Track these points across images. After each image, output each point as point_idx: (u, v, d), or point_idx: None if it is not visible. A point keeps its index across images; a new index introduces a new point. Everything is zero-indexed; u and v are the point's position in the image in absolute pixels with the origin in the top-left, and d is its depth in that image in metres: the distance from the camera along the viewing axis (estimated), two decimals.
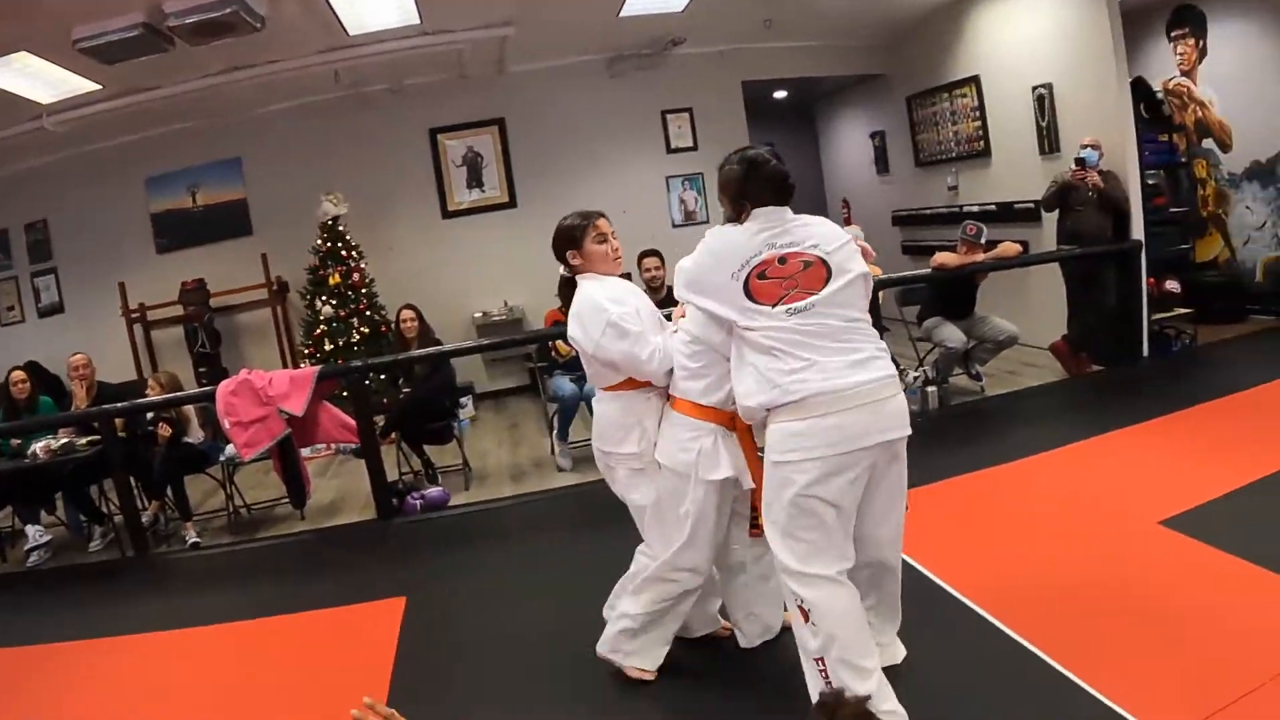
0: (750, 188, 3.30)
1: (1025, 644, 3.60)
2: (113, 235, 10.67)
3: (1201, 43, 10.47)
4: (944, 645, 3.71)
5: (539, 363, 8.59)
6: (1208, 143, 10.62)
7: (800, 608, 3.01)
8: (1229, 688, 3.15)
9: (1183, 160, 10.61)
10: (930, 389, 7.81)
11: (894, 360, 8.10)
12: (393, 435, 7.49)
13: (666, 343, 3.45)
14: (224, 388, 6.47)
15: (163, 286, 10.29)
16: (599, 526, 5.23)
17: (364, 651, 4.44)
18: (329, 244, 9.95)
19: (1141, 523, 4.66)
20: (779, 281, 3.08)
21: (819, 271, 3.10)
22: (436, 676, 4.07)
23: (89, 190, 10.56)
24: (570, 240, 3.65)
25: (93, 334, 10.02)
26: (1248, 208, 10.33)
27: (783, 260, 3.11)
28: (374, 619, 4.86)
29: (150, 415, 7.16)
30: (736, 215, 3.32)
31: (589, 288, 3.55)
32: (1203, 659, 3.31)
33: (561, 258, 3.71)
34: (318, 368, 6.86)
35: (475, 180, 11.20)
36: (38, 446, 6.74)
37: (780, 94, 14.69)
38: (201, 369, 10.01)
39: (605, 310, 3.40)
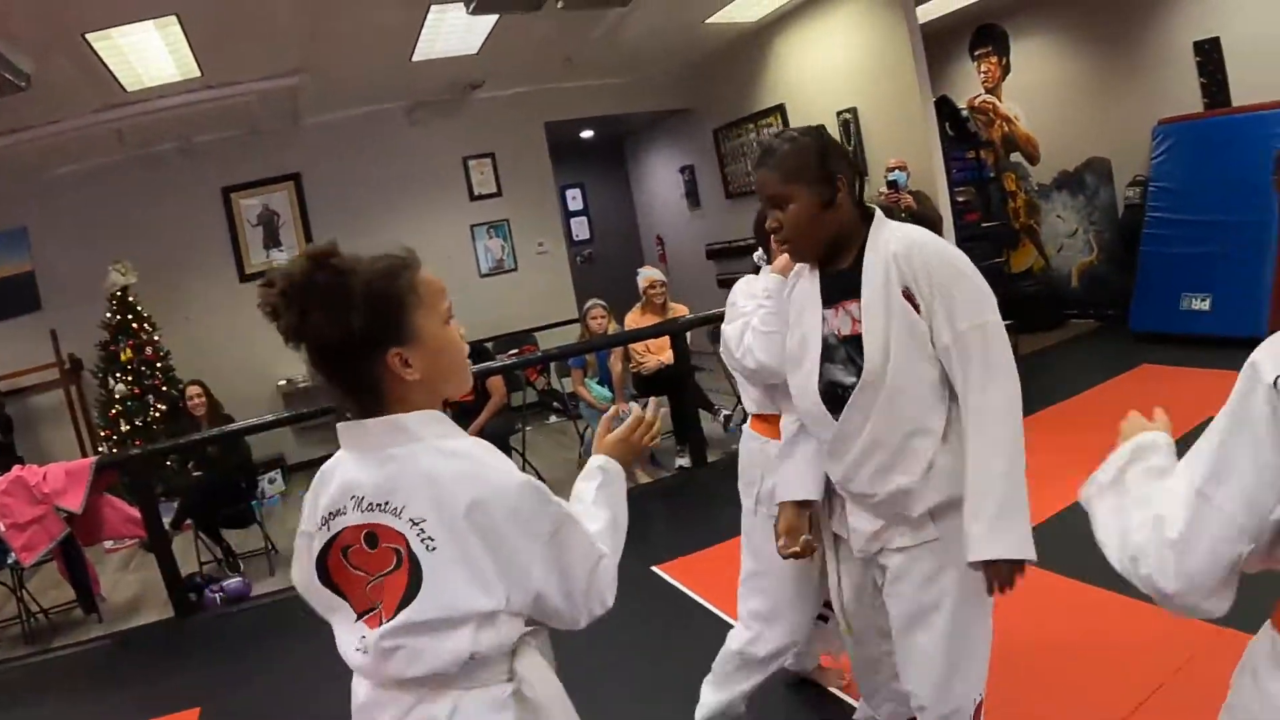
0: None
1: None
2: None
3: (1005, 60, 10.88)
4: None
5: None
6: (1016, 156, 11.03)
7: None
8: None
9: (991, 175, 10.95)
10: None
11: (709, 399, 7.86)
12: (187, 523, 6.99)
13: None
14: None
15: None
16: None
17: None
18: (119, 317, 9.34)
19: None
20: None
21: None
22: None
23: None
24: None
25: None
26: (1059, 217, 10.76)
27: None
28: None
29: None
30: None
31: None
32: (1065, 687, 3.33)
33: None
34: (94, 459, 6.38)
35: (273, 240, 10.72)
36: None
37: (587, 133, 14.62)
38: None
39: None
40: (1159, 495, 1.51)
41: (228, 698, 4.82)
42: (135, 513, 6.39)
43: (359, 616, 1.71)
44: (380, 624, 1.65)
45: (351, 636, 1.71)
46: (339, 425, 1.78)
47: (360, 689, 1.76)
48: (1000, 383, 2.38)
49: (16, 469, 6.13)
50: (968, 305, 2.39)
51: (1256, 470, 1.35)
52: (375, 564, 1.67)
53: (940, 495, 2.44)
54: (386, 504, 1.65)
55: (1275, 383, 1.32)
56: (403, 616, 1.62)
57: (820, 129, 2.59)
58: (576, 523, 1.78)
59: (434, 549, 1.61)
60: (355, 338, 1.65)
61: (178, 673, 5.42)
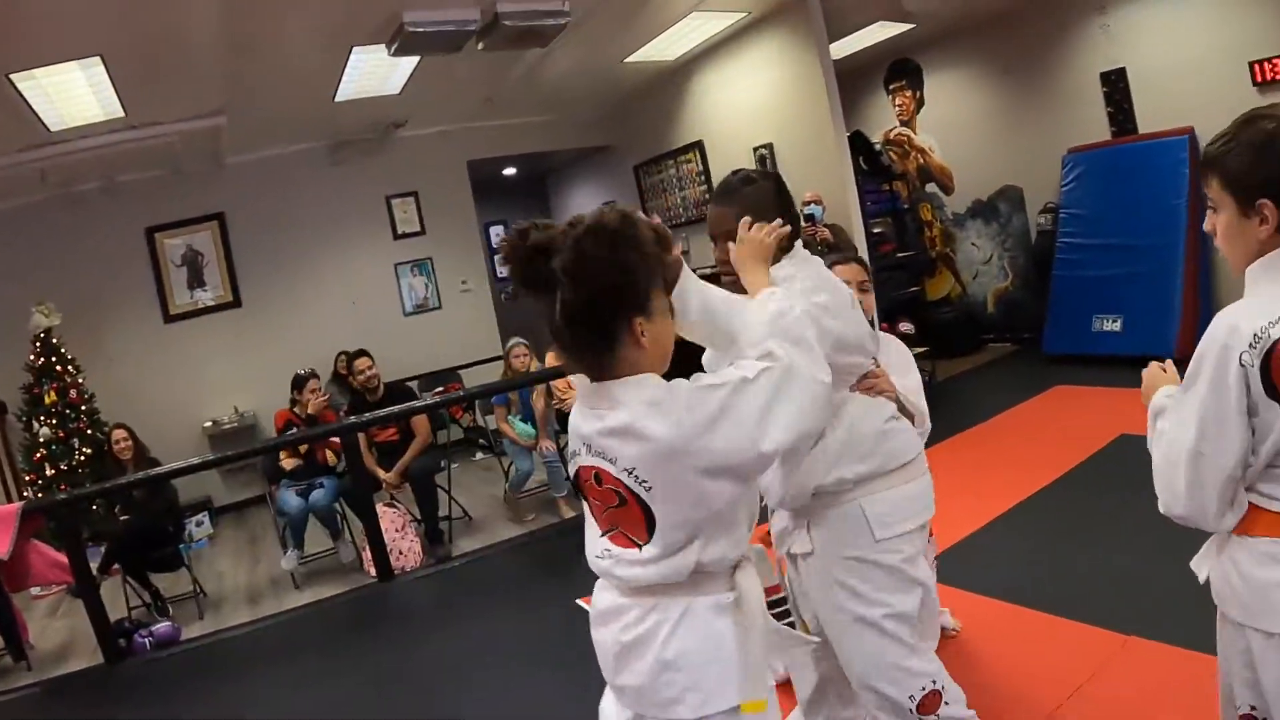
0: None
1: None
2: None
3: (919, 93, 11.24)
4: None
5: (264, 474, 8.13)
6: (931, 187, 11.36)
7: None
8: None
9: (905, 207, 11.18)
10: None
11: None
12: (114, 568, 6.90)
13: None
14: None
15: None
16: (339, 647, 5.35)
17: None
18: (43, 359, 9.17)
19: None
20: None
21: None
22: None
23: None
24: None
25: None
26: (973, 244, 11.08)
27: None
28: None
29: None
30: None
31: None
32: (977, 698, 3.13)
33: None
34: (20, 504, 6.28)
35: (197, 280, 10.60)
36: None
37: (510, 170, 14.68)
38: None
39: None
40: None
41: None
42: (62, 558, 6.29)
43: (603, 533, 1.98)
44: (629, 545, 1.91)
45: (595, 546, 2.01)
46: (578, 379, 1.96)
47: (603, 597, 2.04)
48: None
49: None
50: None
51: (1237, 429, 1.84)
52: (604, 498, 1.92)
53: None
54: (604, 453, 1.88)
55: (1241, 360, 1.80)
56: (650, 549, 1.87)
57: (776, 174, 2.81)
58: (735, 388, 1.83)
59: (650, 490, 1.82)
60: (606, 309, 1.82)
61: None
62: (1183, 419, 1.93)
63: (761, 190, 2.65)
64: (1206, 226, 2.07)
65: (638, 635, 1.93)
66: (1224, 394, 1.85)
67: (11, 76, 6.53)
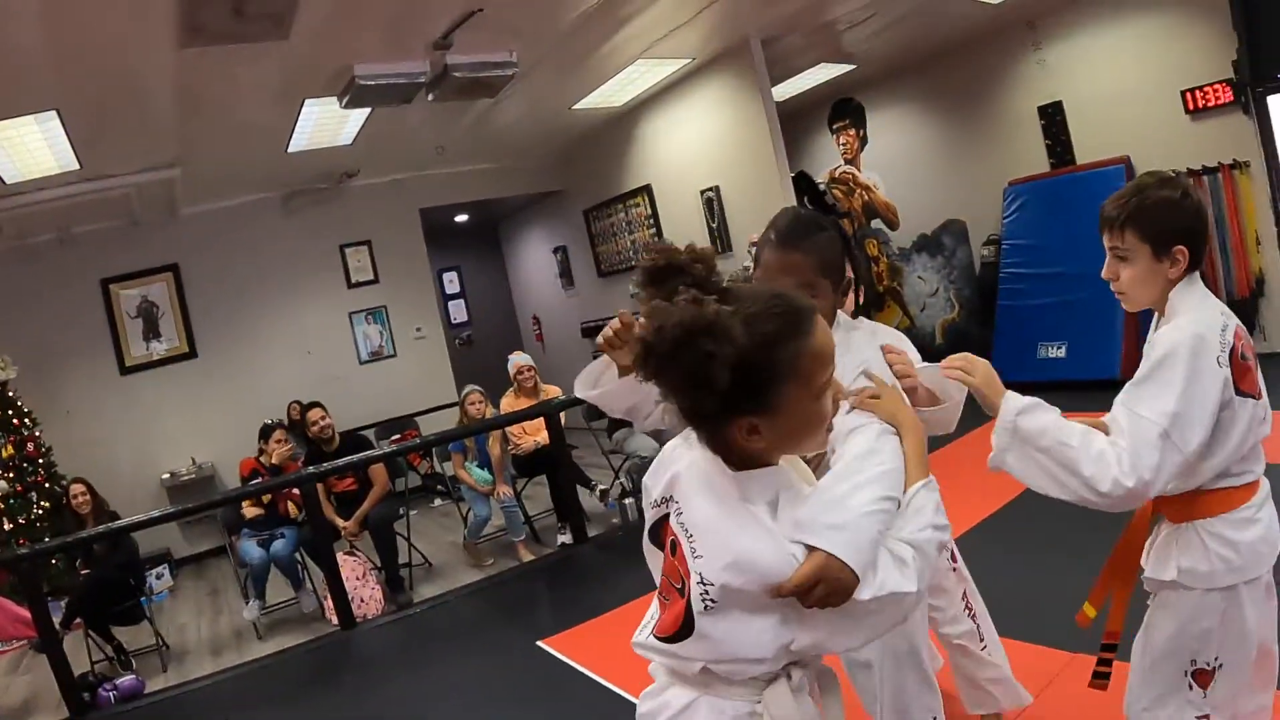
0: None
1: None
2: None
3: (862, 131, 11.49)
4: None
5: (224, 525, 8.14)
6: (876, 223, 11.59)
7: None
8: None
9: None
10: (628, 501, 7.70)
11: (586, 475, 8.04)
12: (77, 622, 6.86)
13: None
14: None
15: None
16: (303, 696, 5.40)
17: None
18: None
19: None
20: None
21: None
22: None
23: None
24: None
25: None
26: (920, 277, 11.30)
27: None
28: None
29: None
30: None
31: None
32: None
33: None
34: None
35: (153, 331, 10.58)
36: None
37: (462, 217, 14.78)
38: None
39: None
40: (1115, 433, 2.18)
41: None
42: (25, 613, 6.28)
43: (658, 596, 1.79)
44: (657, 631, 1.73)
45: (653, 606, 1.82)
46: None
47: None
48: None
49: None
50: None
51: (1205, 419, 2.13)
52: (671, 573, 1.71)
53: None
54: (690, 537, 1.65)
55: (1218, 360, 2.14)
56: (665, 645, 1.70)
57: (835, 219, 2.55)
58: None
59: (710, 608, 1.61)
60: (708, 406, 1.56)
61: None
62: (1147, 408, 2.15)
63: (831, 241, 2.43)
64: (1106, 274, 2.43)
65: (648, 709, 1.80)
66: (1202, 390, 2.15)
67: None
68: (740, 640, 1.62)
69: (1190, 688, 2.41)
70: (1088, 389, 8.31)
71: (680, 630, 1.66)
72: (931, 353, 10.95)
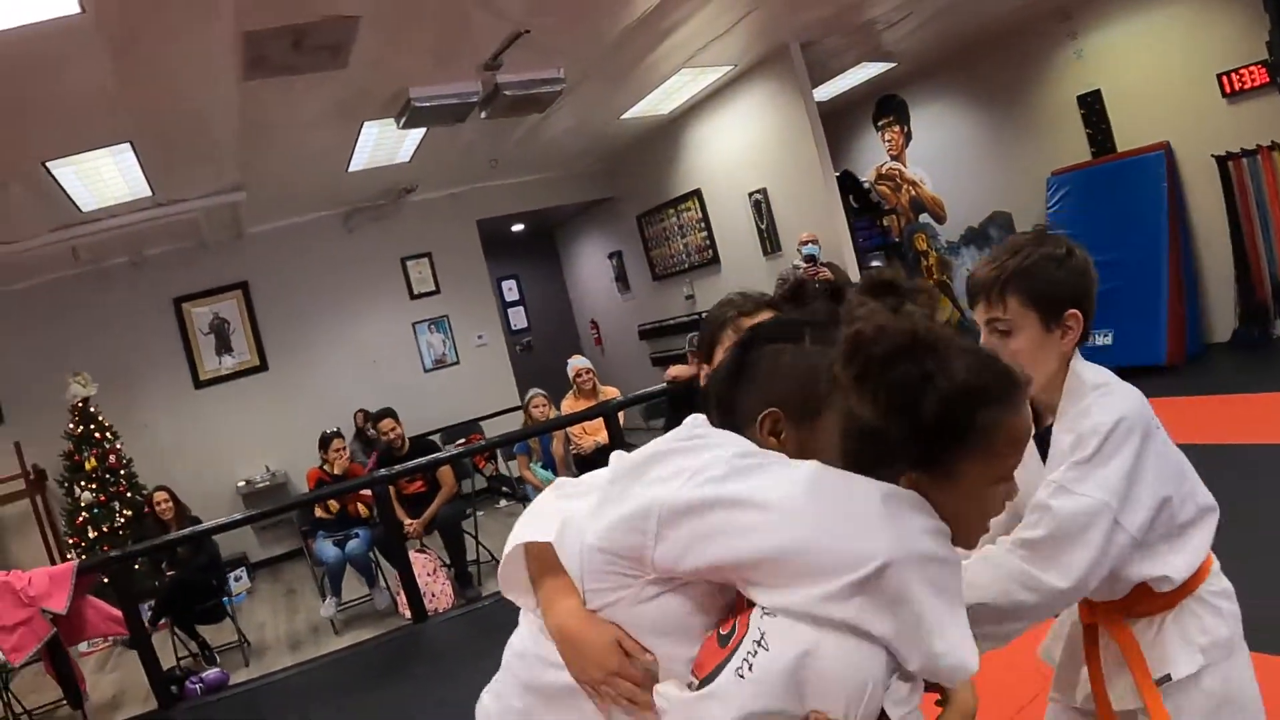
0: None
1: None
2: None
3: (906, 127, 11.58)
4: None
5: (302, 526, 8.52)
6: (924, 217, 11.65)
7: None
8: None
9: (896, 240, 11.58)
10: None
11: None
12: (163, 621, 7.27)
13: None
14: None
15: None
16: (379, 683, 5.68)
17: None
18: (82, 427, 9.54)
19: None
20: None
21: None
22: None
23: None
24: (705, 346, 2.35)
25: None
26: (968, 270, 11.15)
27: None
28: None
29: None
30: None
31: None
32: None
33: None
34: (75, 562, 6.61)
35: (224, 347, 11.00)
36: None
37: (518, 226, 15.04)
38: None
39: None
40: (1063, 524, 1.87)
41: None
42: (116, 612, 6.60)
43: None
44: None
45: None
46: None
47: None
48: None
49: (1, 575, 6.43)
50: None
51: (1150, 506, 1.87)
52: None
53: None
54: None
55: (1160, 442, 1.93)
56: None
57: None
58: None
59: None
60: (885, 444, 1.30)
61: None
62: (1093, 495, 1.87)
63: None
64: (987, 344, 2.03)
65: None
66: (1145, 471, 1.89)
67: (48, 164, 6.93)
68: None
69: None
70: (1134, 376, 8.33)
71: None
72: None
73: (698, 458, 1.40)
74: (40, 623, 6.24)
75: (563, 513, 1.54)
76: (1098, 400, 1.95)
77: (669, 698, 1.38)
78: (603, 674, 1.41)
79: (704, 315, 2.32)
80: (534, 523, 1.61)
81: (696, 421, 1.52)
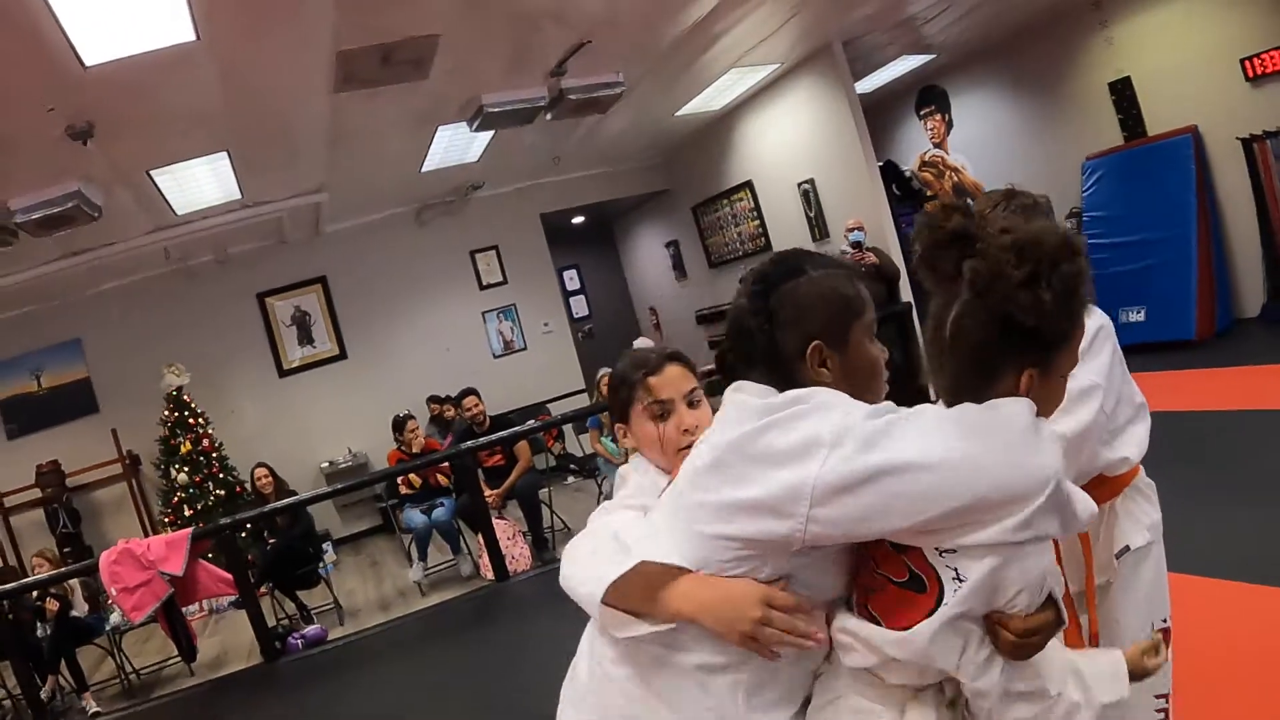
0: None
1: None
2: None
3: (947, 116, 11.89)
4: None
5: (389, 500, 9.19)
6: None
7: None
8: None
9: None
10: None
11: None
12: (263, 587, 7.86)
13: None
14: (106, 558, 6.77)
15: (16, 471, 10.22)
16: (462, 637, 6.29)
17: None
18: (176, 414, 10.18)
19: None
20: None
21: None
22: None
23: None
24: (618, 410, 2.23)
25: None
26: None
27: None
28: None
29: (35, 593, 7.38)
30: None
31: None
32: None
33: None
34: (190, 529, 7.22)
35: (306, 337, 11.63)
36: None
37: (579, 219, 15.41)
38: (66, 549, 9.87)
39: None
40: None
41: (331, 713, 5.81)
42: (226, 575, 7.24)
43: None
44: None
45: None
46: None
47: None
48: None
49: (123, 542, 6.98)
50: None
51: (1115, 395, 2.38)
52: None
53: None
54: None
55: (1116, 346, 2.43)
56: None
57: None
58: None
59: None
60: (1023, 343, 1.44)
61: (276, 702, 6.41)
62: (1089, 378, 2.28)
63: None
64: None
65: None
66: (1115, 367, 2.44)
67: (151, 173, 7.53)
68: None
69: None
70: (1166, 350, 8.80)
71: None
72: None
73: (819, 424, 1.45)
74: (159, 584, 6.84)
75: (620, 534, 1.73)
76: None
77: (864, 634, 1.51)
78: (753, 620, 1.49)
79: (610, 377, 2.21)
80: (601, 559, 1.69)
81: (766, 391, 1.61)
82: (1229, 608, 3.93)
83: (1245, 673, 3.48)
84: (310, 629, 7.59)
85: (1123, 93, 9.91)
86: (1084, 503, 1.44)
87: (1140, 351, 8.74)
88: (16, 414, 10.68)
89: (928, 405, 1.52)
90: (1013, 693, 1.46)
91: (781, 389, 1.58)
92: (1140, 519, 2.50)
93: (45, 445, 10.50)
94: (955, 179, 12.01)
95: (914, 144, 12.52)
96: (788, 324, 1.63)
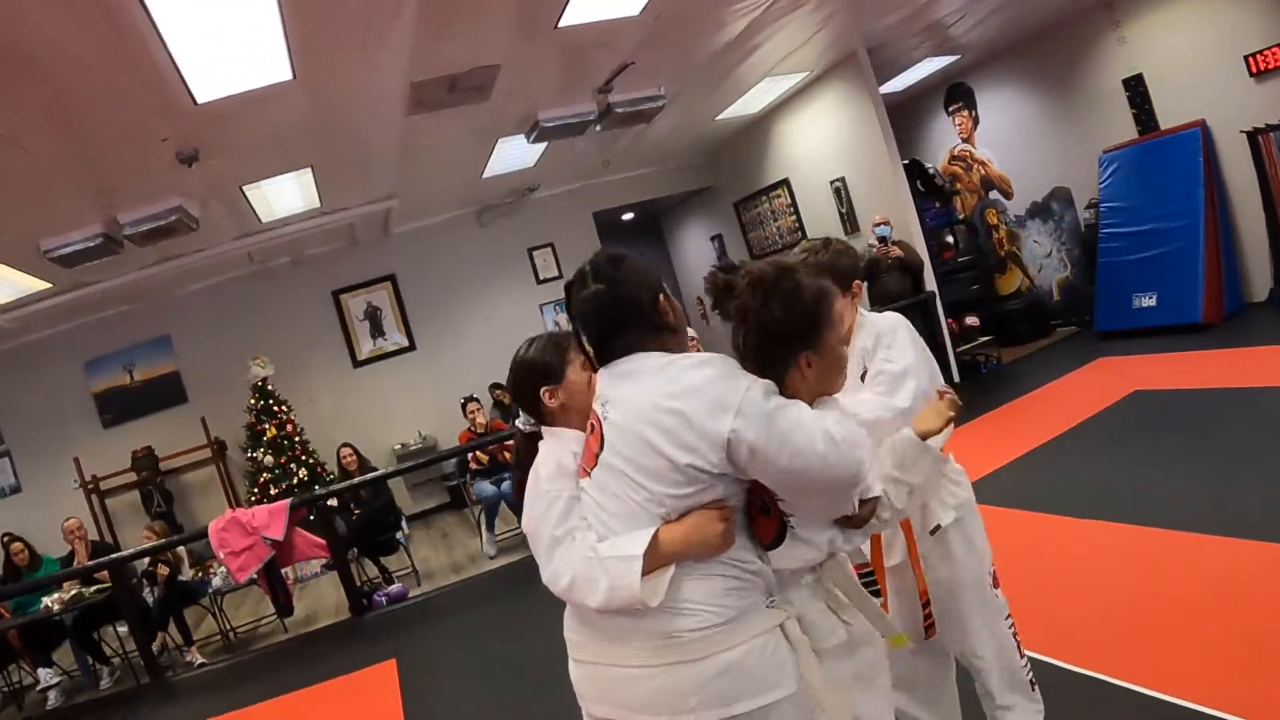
0: None
1: None
2: (58, 415, 11.18)
3: (974, 112, 12.38)
4: None
5: (461, 476, 9.96)
6: (994, 194, 12.47)
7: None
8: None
9: (961, 218, 12.42)
10: None
11: None
12: (349, 554, 8.58)
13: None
14: (215, 525, 7.63)
15: (113, 457, 10.94)
16: (525, 594, 6.94)
17: (372, 701, 5.85)
18: (261, 402, 10.93)
19: None
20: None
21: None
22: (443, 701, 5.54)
23: (31, 376, 11.10)
24: (545, 375, 2.47)
25: (51, 508, 10.22)
26: (1035, 241, 12.22)
27: None
28: (374, 678, 6.26)
29: (148, 560, 8.24)
30: None
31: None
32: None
33: (532, 407, 2.51)
34: (290, 500, 8.02)
35: (378, 331, 12.34)
36: (49, 600, 7.80)
37: (628, 216, 16.01)
38: None
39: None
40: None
41: (417, 652, 6.59)
42: (320, 540, 8.04)
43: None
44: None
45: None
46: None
47: None
48: None
49: (230, 511, 7.88)
50: None
51: (925, 375, 2.76)
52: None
53: None
54: None
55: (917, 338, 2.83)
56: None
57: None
58: None
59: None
60: (791, 333, 2.08)
61: (368, 644, 7.17)
62: (902, 360, 2.74)
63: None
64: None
65: None
66: (921, 353, 2.79)
67: (243, 187, 8.28)
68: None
69: (994, 592, 2.98)
70: (1175, 333, 9.30)
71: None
72: (1051, 309, 12.03)
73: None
74: (261, 547, 7.70)
75: (601, 549, 2.15)
76: (877, 321, 2.86)
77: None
78: (720, 535, 2.04)
79: (521, 364, 2.52)
80: (610, 567, 2.10)
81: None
82: (1233, 565, 4.35)
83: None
84: (393, 587, 8.41)
85: (1136, 89, 10.28)
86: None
87: (1151, 335, 9.39)
88: (111, 405, 11.42)
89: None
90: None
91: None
92: (948, 500, 2.92)
93: (138, 433, 11.28)
94: (983, 172, 12.56)
95: (941, 140, 13.00)
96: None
